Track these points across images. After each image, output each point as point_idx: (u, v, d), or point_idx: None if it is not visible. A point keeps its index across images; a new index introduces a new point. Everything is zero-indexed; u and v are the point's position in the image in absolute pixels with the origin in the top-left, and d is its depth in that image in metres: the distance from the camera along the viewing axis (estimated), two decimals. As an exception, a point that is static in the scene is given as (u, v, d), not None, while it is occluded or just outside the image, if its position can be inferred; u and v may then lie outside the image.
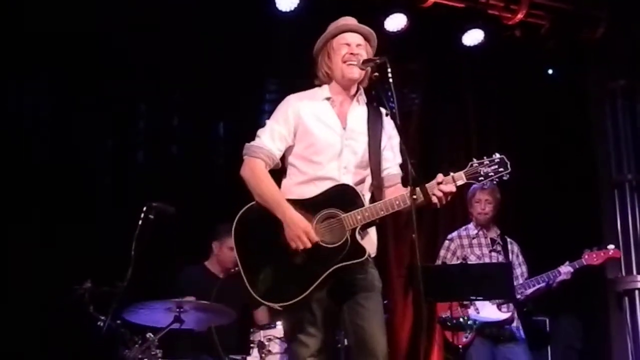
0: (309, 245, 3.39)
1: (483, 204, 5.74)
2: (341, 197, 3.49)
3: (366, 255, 3.45)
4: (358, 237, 3.45)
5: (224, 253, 5.77)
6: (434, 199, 3.40)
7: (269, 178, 3.58)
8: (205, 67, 6.48)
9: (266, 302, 3.48)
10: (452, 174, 3.46)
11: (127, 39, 6.21)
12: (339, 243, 3.43)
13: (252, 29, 6.54)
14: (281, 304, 3.45)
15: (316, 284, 3.40)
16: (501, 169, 3.49)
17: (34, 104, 6.15)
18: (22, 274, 5.55)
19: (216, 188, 6.56)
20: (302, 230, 3.40)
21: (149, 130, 6.70)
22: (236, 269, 3.55)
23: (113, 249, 5.16)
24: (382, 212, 3.44)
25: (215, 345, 5.05)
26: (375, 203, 3.48)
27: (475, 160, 3.51)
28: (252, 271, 3.47)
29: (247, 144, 3.66)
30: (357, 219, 3.43)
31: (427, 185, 3.38)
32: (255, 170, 3.59)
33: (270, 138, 3.62)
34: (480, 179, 3.49)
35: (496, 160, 3.50)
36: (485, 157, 3.51)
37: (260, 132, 3.66)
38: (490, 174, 3.48)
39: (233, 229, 3.55)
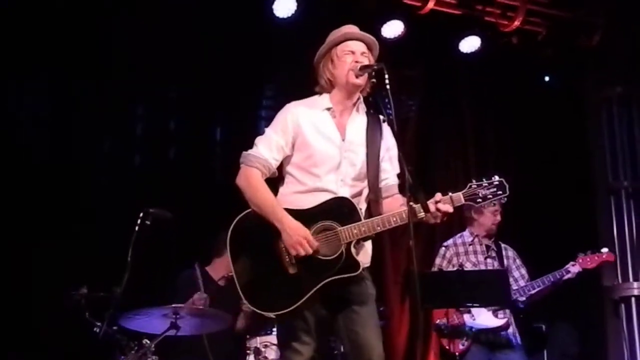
0: (310, 250, 3.39)
1: (499, 215, 5.74)
2: (339, 209, 3.48)
3: (359, 270, 3.44)
4: (353, 250, 3.45)
5: (225, 264, 5.78)
6: (427, 217, 3.40)
7: (265, 187, 3.57)
8: (203, 71, 6.49)
9: (258, 311, 3.47)
10: (450, 194, 3.47)
11: (126, 42, 6.22)
12: (334, 256, 3.43)
13: (249, 34, 6.54)
14: (273, 313, 3.45)
15: (308, 295, 3.39)
16: (499, 192, 3.50)
17: (33, 104, 6.15)
18: (18, 277, 5.54)
19: (213, 192, 6.56)
20: (302, 237, 3.39)
21: (147, 133, 6.70)
22: (230, 273, 3.55)
23: (110, 254, 5.14)
24: (379, 228, 3.45)
25: (207, 353, 5.05)
26: (373, 218, 3.48)
27: (474, 181, 3.53)
28: (246, 279, 3.46)
29: (244, 153, 3.64)
30: (354, 233, 3.43)
31: (428, 201, 3.38)
32: (250, 179, 3.57)
33: (268, 148, 3.60)
34: (478, 200, 3.51)
35: (495, 183, 3.51)
36: (484, 180, 3.52)
37: (258, 140, 3.64)
38: (488, 197, 3.50)
39: (228, 236, 3.53)
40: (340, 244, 3.43)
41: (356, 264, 3.44)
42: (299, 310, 3.42)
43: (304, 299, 3.39)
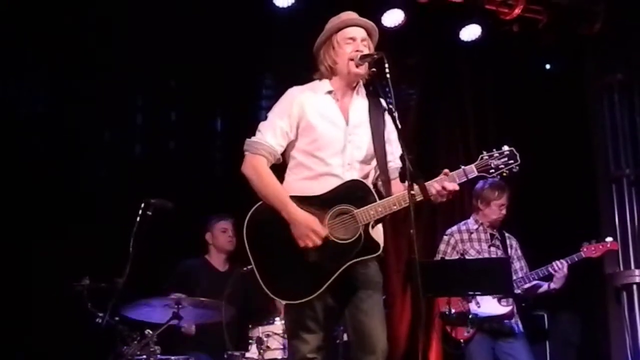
0: (318, 242, 3.38)
1: (504, 209, 5.72)
2: (352, 193, 3.48)
3: (380, 250, 3.45)
4: (371, 232, 3.45)
5: (217, 237, 5.88)
6: (434, 197, 3.41)
7: (272, 177, 3.55)
8: (203, 61, 6.47)
9: (283, 301, 3.48)
10: (462, 167, 3.48)
11: (125, 32, 6.21)
12: (353, 239, 3.42)
13: (249, 24, 6.53)
14: (298, 302, 3.43)
15: (331, 279, 3.39)
16: (511, 162, 3.51)
17: (31, 97, 6.14)
18: (19, 270, 5.55)
19: (214, 182, 6.58)
20: (308, 228, 3.39)
21: (147, 123, 6.70)
22: (249, 267, 3.53)
23: (111, 245, 5.16)
24: (395, 207, 3.43)
25: (225, 340, 5.04)
26: (388, 198, 3.47)
27: (485, 153, 3.53)
28: (267, 271, 3.45)
29: (248, 140, 3.63)
30: (370, 214, 3.43)
31: (430, 182, 3.39)
32: (257, 168, 3.55)
33: (272, 134, 3.58)
34: (491, 171, 3.51)
35: (506, 153, 3.52)
36: (494, 150, 3.53)
37: (261, 126, 3.63)
38: (500, 167, 3.50)
39: (244, 230, 3.52)
40: (357, 226, 3.42)
41: (376, 245, 3.45)
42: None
43: (326, 284, 3.39)
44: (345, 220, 3.45)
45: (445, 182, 3.41)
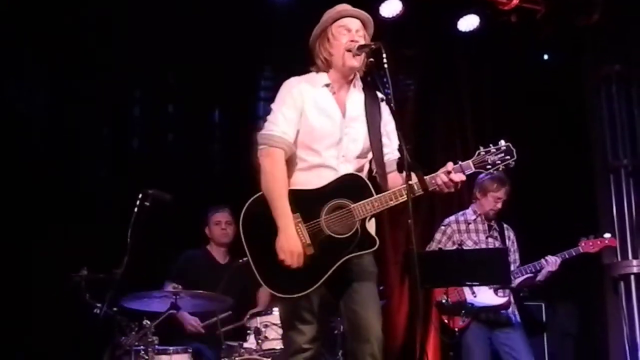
0: (295, 265, 3.37)
1: (500, 203, 5.72)
2: (349, 187, 3.47)
3: (377, 245, 3.45)
4: (367, 226, 3.45)
5: (212, 230, 5.90)
6: (441, 187, 3.44)
7: (285, 180, 3.49)
8: (201, 53, 6.46)
9: (279, 294, 3.46)
10: (460, 162, 3.48)
11: (124, 25, 6.19)
12: (350, 233, 3.43)
13: (248, 15, 6.52)
14: (296, 295, 3.42)
15: (328, 274, 3.39)
16: (507, 157, 3.51)
17: (31, 97, 6.12)
18: (18, 262, 5.55)
19: (212, 175, 6.58)
20: (295, 250, 3.37)
21: (145, 116, 6.69)
22: (245, 259, 3.53)
23: (109, 237, 5.17)
24: (392, 202, 3.44)
25: (219, 334, 5.07)
26: (384, 193, 3.46)
27: (482, 148, 3.53)
28: (263, 264, 3.44)
29: (264, 134, 3.56)
30: (367, 209, 3.43)
31: (436, 174, 3.43)
32: (276, 165, 3.49)
33: (287, 126, 3.54)
34: (488, 167, 3.52)
35: (502, 148, 3.52)
36: (491, 145, 3.53)
37: (273, 119, 3.57)
38: (497, 162, 3.51)
39: (241, 221, 3.51)
40: (354, 220, 3.43)
41: (373, 240, 3.45)
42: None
43: (323, 278, 3.39)
44: (342, 214, 3.44)
45: (452, 175, 3.43)
